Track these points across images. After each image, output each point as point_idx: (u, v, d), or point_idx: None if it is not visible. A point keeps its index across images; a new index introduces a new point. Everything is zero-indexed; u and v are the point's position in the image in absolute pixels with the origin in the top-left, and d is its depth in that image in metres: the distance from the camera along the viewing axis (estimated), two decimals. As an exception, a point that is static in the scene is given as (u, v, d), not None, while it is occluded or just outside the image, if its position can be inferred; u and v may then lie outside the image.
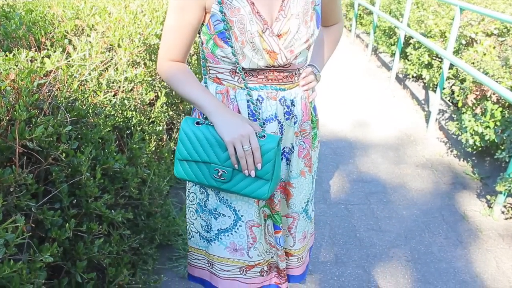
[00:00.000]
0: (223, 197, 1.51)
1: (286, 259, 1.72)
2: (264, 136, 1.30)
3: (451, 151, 4.07)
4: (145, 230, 2.26)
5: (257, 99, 1.40)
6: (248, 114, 1.40)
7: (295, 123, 1.48)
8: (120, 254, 1.91)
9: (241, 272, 1.64)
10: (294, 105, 1.46)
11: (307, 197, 1.64)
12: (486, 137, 3.40)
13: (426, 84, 5.39)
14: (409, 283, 2.50)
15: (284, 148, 1.51)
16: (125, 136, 2.25)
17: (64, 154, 1.58)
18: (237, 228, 1.54)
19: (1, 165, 1.46)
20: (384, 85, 5.97)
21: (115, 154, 1.89)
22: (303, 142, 1.53)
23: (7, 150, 1.47)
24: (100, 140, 1.86)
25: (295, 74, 1.45)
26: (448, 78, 4.65)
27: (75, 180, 1.66)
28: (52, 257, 1.32)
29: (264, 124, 1.42)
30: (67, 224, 1.54)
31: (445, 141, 4.26)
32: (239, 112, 1.40)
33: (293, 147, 1.52)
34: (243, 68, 1.35)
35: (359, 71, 6.70)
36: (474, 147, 3.68)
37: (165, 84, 2.82)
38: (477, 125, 3.52)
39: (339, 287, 2.45)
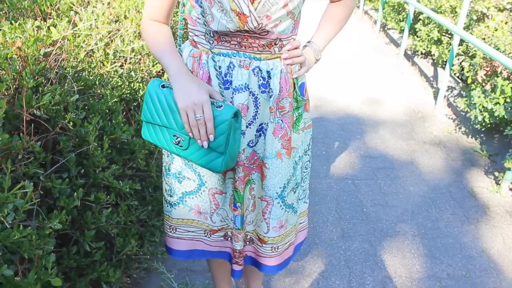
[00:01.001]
0: (188, 161, 1.46)
1: (259, 246, 1.61)
2: (221, 106, 1.23)
3: (460, 128, 4.03)
4: (152, 202, 2.27)
5: (228, 66, 1.32)
6: (219, 81, 1.33)
7: (270, 97, 1.37)
8: (128, 225, 1.92)
9: (206, 234, 1.62)
10: (270, 78, 1.35)
11: (284, 183, 1.48)
12: (496, 114, 3.36)
13: (435, 61, 5.32)
14: (415, 257, 2.51)
15: (262, 124, 1.41)
16: (132, 108, 2.24)
17: (71, 123, 1.57)
18: (201, 193, 1.51)
19: (10, 133, 1.46)
20: (393, 62, 5.90)
21: (122, 125, 1.88)
22: (281, 121, 1.40)
23: (15, 118, 1.46)
24: (107, 111, 1.86)
25: (275, 44, 1.33)
26: (458, 54, 4.58)
27: (83, 150, 1.66)
28: (61, 225, 1.33)
29: (233, 93, 1.34)
30: (75, 193, 1.54)
31: (454, 118, 4.23)
32: (209, 78, 1.34)
33: (267, 124, 1.41)
34: (216, 32, 1.28)
35: (367, 48, 6.62)
36: (483, 124, 3.64)
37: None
38: (486, 102, 3.47)
39: (346, 260, 2.46)
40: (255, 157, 1.45)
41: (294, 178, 1.53)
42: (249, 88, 1.34)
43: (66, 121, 1.54)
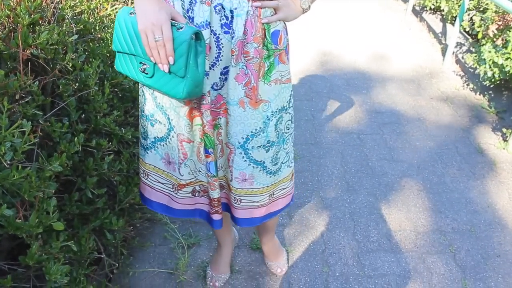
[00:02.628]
0: (159, 103, 1.42)
1: (229, 192, 1.58)
2: (182, 27, 1.18)
3: (468, 85, 3.95)
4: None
5: (191, 1, 1.26)
6: (184, 16, 1.28)
7: (232, 38, 1.29)
8: (131, 173, 1.89)
9: (173, 189, 1.59)
10: (233, 18, 1.27)
11: (247, 134, 1.42)
12: (506, 69, 3.27)
13: (444, 17, 5.16)
14: (420, 211, 2.49)
15: (226, 67, 1.34)
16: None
17: (70, 65, 1.51)
18: (170, 139, 1.48)
19: (6, 75, 1.39)
20: (400, 17, 5.74)
21: (123, 70, 1.81)
22: (245, 67, 1.33)
23: (11, 59, 1.40)
24: (108, 55, 1.78)
25: None
26: (468, 9, 4.44)
27: (83, 94, 1.60)
28: (61, 167, 1.29)
29: None
30: (76, 138, 1.49)
31: (462, 75, 4.13)
32: None
33: (228, 67, 1.35)
34: None
35: (374, 3, 6.43)
36: (492, 80, 3.55)
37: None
38: (497, 57, 3.37)
39: (350, 213, 2.45)
40: (221, 101, 1.39)
41: (264, 135, 1.44)
42: (210, 27, 1.27)
43: (65, 62, 1.48)
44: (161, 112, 1.43)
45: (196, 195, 1.61)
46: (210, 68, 1.33)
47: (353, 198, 2.56)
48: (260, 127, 1.43)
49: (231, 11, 1.26)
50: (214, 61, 1.33)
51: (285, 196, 1.69)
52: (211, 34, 1.28)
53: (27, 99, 1.31)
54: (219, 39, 1.29)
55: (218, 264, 2.02)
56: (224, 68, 1.34)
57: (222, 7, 1.25)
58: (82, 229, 1.62)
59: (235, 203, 1.58)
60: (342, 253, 2.20)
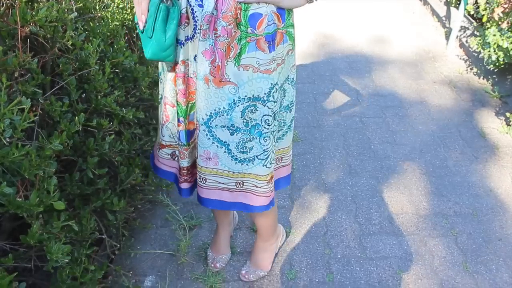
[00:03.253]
0: (162, 65, 1.50)
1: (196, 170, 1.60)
2: None
3: (471, 69, 3.91)
4: (157, 135, 2.21)
5: None
6: None
7: (201, 11, 1.29)
8: (132, 154, 1.87)
9: (158, 147, 1.67)
10: None
11: (211, 111, 1.40)
12: (511, 52, 3.23)
13: (448, 0, 5.10)
14: (422, 194, 2.48)
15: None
16: (134, 36, 2.14)
17: (70, 43, 1.48)
18: (161, 103, 1.57)
19: (5, 53, 1.37)
20: (404, 1, 5.67)
21: (124, 50, 1.79)
22: (213, 43, 1.31)
23: (9, 36, 1.37)
24: (108, 34, 1.76)
25: None
26: (473, -8, 4.38)
27: (84, 73, 1.58)
28: (61, 146, 1.27)
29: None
30: (76, 118, 1.47)
31: (465, 59, 4.09)
32: None
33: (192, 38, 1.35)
34: None
35: (377, -14, 6.35)
36: (496, 64, 3.51)
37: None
38: (502, 40, 3.33)
39: (352, 196, 2.44)
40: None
41: (228, 117, 1.41)
42: None
43: (65, 40, 1.45)
44: (162, 73, 1.51)
45: (175, 159, 1.66)
46: (187, 40, 1.36)
47: (355, 181, 2.55)
48: (224, 107, 1.40)
49: None
50: (193, 32, 1.34)
51: (259, 195, 1.60)
52: (188, 5, 1.30)
53: (26, 77, 1.29)
54: (194, 11, 1.30)
55: (217, 245, 2.02)
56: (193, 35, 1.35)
57: None
58: (83, 210, 1.62)
59: (201, 181, 1.59)
60: (343, 236, 2.20)
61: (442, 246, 2.17)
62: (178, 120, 1.49)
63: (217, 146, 1.48)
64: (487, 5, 3.76)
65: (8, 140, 1.08)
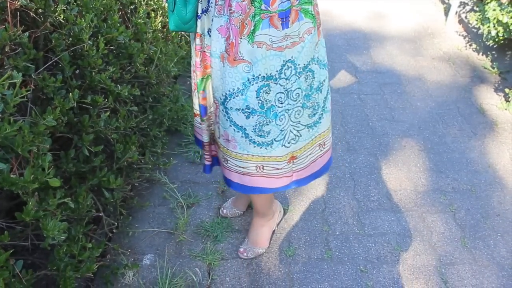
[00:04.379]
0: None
1: (218, 149, 1.61)
2: None
3: (470, 45, 3.87)
4: (153, 114, 2.19)
5: None
6: None
7: None
8: (128, 132, 1.85)
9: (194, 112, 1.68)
10: None
11: (226, 92, 1.41)
12: (511, 28, 3.19)
13: (447, -25, 5.03)
14: (421, 171, 2.47)
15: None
16: (129, 12, 2.09)
17: (62, 17, 1.44)
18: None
19: (-5, 28, 1.33)
20: (402, -24, 5.59)
21: (118, 25, 1.75)
22: (228, 20, 1.31)
23: None
24: (101, 9, 1.72)
25: None
26: (473, -34, 4.31)
27: (77, 48, 1.54)
28: (55, 122, 1.25)
29: None
30: (71, 94, 1.44)
31: (464, 35, 4.05)
32: None
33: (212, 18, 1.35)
34: None
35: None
36: (496, 39, 3.48)
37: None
38: (502, 15, 3.29)
39: (351, 173, 2.43)
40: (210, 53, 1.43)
41: (243, 97, 1.39)
42: None
43: (57, 14, 1.41)
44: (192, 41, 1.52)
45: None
46: (203, 12, 1.37)
47: (354, 158, 2.53)
48: (238, 88, 1.38)
49: None
50: (207, 5, 1.35)
51: (280, 176, 1.60)
52: None
53: (17, 51, 1.26)
54: None
55: (238, 199, 2.13)
56: (213, 18, 1.35)
57: None
58: (80, 187, 1.60)
59: (224, 162, 1.60)
60: (342, 212, 2.19)
61: (440, 222, 2.17)
62: (203, 95, 1.52)
63: (234, 130, 1.47)
64: (487, -21, 3.70)
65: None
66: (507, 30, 3.29)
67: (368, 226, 2.12)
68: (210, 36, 1.37)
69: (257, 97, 1.39)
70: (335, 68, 3.43)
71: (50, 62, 1.45)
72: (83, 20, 1.52)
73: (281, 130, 1.49)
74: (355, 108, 2.97)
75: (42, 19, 1.46)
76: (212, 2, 1.33)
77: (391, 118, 2.88)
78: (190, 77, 3.01)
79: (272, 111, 1.44)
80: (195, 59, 1.45)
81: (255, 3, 1.27)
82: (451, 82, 3.32)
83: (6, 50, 1.23)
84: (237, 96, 1.39)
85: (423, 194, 2.32)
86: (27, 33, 1.28)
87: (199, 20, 1.38)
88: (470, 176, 2.46)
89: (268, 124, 1.46)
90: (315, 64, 1.45)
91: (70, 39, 1.56)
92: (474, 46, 3.86)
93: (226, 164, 1.60)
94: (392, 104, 3.02)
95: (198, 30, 1.40)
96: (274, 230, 2.06)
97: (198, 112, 1.58)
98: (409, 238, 2.08)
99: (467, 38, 4.00)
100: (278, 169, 1.58)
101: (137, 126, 1.98)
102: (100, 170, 1.67)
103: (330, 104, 1.59)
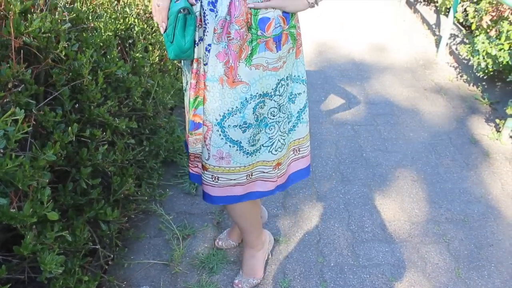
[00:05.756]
0: None
1: (202, 172, 1.63)
2: (178, 0, 1.41)
3: (461, 76, 3.96)
4: (149, 146, 2.21)
5: None
6: None
7: (215, 16, 1.38)
8: (125, 164, 1.87)
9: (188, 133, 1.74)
10: None
11: (224, 112, 1.48)
12: (500, 59, 3.28)
13: (438, 8, 5.17)
14: (414, 201, 2.50)
15: (210, 44, 1.42)
16: (127, 46, 2.14)
17: (63, 54, 1.49)
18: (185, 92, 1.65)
19: (-2, 64, 1.37)
20: (394, 9, 5.73)
21: (117, 60, 1.80)
22: (226, 46, 1.40)
23: (3, 47, 1.38)
24: (101, 45, 1.76)
25: None
26: (462, 0, 4.44)
27: (77, 83, 1.58)
28: (55, 156, 1.27)
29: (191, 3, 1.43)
30: (70, 128, 1.48)
31: (455, 66, 4.14)
32: None
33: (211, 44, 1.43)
34: None
35: (368, -6, 6.42)
36: (486, 71, 3.56)
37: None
38: (490, 47, 3.38)
39: (345, 204, 2.45)
40: (205, 79, 1.49)
41: (241, 115, 1.49)
42: (201, 2, 1.39)
43: (58, 50, 1.46)
44: (184, 66, 1.63)
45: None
46: (201, 40, 1.45)
47: (348, 189, 2.56)
48: (237, 107, 1.48)
49: None
50: (202, 35, 1.44)
51: (265, 180, 1.69)
52: (200, 8, 1.39)
53: (19, 88, 1.29)
54: (205, 15, 1.40)
55: (232, 230, 2.15)
56: (208, 45, 1.43)
57: None
58: (77, 220, 1.61)
59: (213, 181, 1.63)
60: (336, 243, 2.20)
61: (435, 252, 2.18)
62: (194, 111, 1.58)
63: (230, 145, 1.54)
64: (476, 13, 3.83)
65: (1, 151, 1.08)
66: (496, 62, 3.38)
67: (362, 257, 2.14)
68: (205, 64, 1.46)
69: (253, 113, 1.50)
70: (329, 99, 3.49)
71: (51, 97, 1.48)
72: (83, 56, 1.56)
73: (269, 137, 1.61)
74: (349, 139, 3.01)
75: (44, 54, 1.51)
76: (208, 31, 1.41)
77: (384, 149, 2.92)
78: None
79: (264, 122, 1.56)
80: (191, 81, 1.53)
81: (252, 30, 1.39)
82: (443, 113, 3.38)
83: (9, 86, 1.27)
84: (235, 114, 1.49)
85: (417, 224, 2.34)
86: (29, 70, 1.31)
87: (196, 46, 1.46)
88: (463, 206, 2.48)
89: (259, 133, 1.57)
90: (290, 80, 1.59)
91: (70, 74, 1.60)
92: (465, 77, 3.95)
93: (216, 182, 1.63)
94: (385, 135, 3.07)
95: (195, 55, 1.48)
96: (267, 259, 2.07)
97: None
98: (404, 269, 2.09)
99: (458, 69, 4.09)
100: (265, 172, 1.67)
101: (134, 158, 2.00)
102: (97, 203, 1.69)
103: (307, 116, 1.71)
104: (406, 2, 5.85)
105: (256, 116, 1.52)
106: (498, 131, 3.17)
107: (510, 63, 3.23)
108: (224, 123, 1.50)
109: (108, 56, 1.79)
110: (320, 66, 4.02)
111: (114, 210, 1.72)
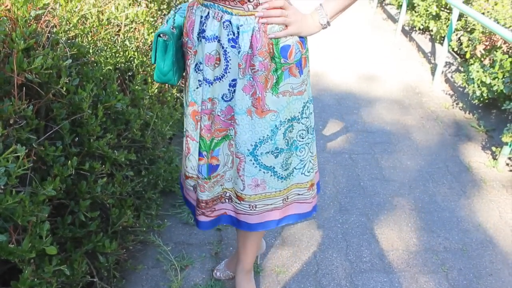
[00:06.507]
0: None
1: (237, 203, 1.65)
2: (166, 24, 1.53)
3: (457, 104, 4.01)
4: (148, 176, 2.23)
5: (206, 16, 1.41)
6: (199, 29, 1.43)
7: (239, 52, 1.39)
8: (124, 196, 1.89)
9: (183, 176, 1.74)
10: (239, 33, 1.37)
11: (255, 141, 1.50)
12: (494, 88, 3.33)
13: (433, 37, 5.26)
14: (412, 231, 2.50)
15: (235, 79, 1.44)
16: (127, 78, 2.18)
17: (64, 89, 1.52)
18: (184, 135, 1.65)
19: (0, 100, 1.40)
20: (390, 38, 5.84)
21: (117, 93, 1.83)
22: (252, 78, 1.42)
23: (6, 83, 1.41)
24: (101, 79, 1.80)
25: (249, 1, 1.33)
26: (456, 30, 4.53)
27: (77, 117, 1.61)
28: (55, 191, 1.29)
29: (204, 42, 1.43)
30: (69, 161, 1.50)
31: (451, 94, 4.20)
32: (194, 24, 1.45)
33: (236, 79, 1.45)
34: None
35: (364, 23, 6.54)
36: (481, 99, 3.61)
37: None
38: (485, 76, 3.44)
39: (343, 234, 2.45)
40: (232, 113, 1.49)
41: (272, 142, 1.52)
42: (220, 41, 1.39)
43: (59, 86, 1.49)
44: (186, 108, 1.62)
45: (195, 192, 1.70)
46: (218, 80, 1.45)
47: (346, 218, 2.57)
48: (268, 135, 1.50)
49: (238, 27, 1.36)
50: (223, 72, 1.44)
51: (302, 202, 1.73)
52: (220, 47, 1.40)
53: (21, 124, 1.32)
54: (227, 53, 1.40)
55: (232, 261, 2.12)
56: (233, 80, 1.44)
57: (230, 23, 1.36)
58: (75, 253, 1.62)
59: (251, 209, 1.65)
60: (335, 274, 2.20)
61: (433, 282, 2.17)
62: (200, 154, 1.57)
63: (264, 172, 1.57)
64: (470, 42, 3.90)
65: (2, 187, 1.10)
66: (491, 90, 3.43)
67: (361, 288, 2.13)
68: (226, 101, 1.48)
69: (284, 138, 1.53)
70: (327, 127, 3.53)
71: (51, 131, 1.51)
72: (83, 91, 1.59)
73: (300, 160, 1.63)
74: (346, 168, 3.03)
75: (45, 90, 1.54)
76: (230, 68, 1.42)
77: (382, 178, 2.94)
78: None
79: (294, 145, 1.58)
80: (205, 123, 1.52)
81: (275, 59, 1.41)
82: (440, 141, 3.41)
83: (11, 122, 1.29)
84: (267, 142, 1.52)
85: (415, 254, 2.34)
86: (31, 106, 1.34)
87: (210, 86, 1.46)
88: (461, 235, 2.49)
89: (291, 157, 1.59)
90: (311, 102, 1.63)
91: (71, 107, 1.63)
92: (460, 104, 4.00)
93: (254, 210, 1.65)
94: (382, 164, 3.09)
95: (209, 95, 1.47)
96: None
97: (191, 175, 1.65)
98: (403, 300, 2.08)
99: (453, 97, 4.14)
100: (300, 194, 1.70)
101: (133, 189, 2.02)
102: (95, 235, 1.70)
103: (314, 136, 1.74)
104: (402, 30, 5.95)
105: (286, 140, 1.54)
106: (494, 158, 3.20)
107: (504, 91, 3.28)
108: (256, 152, 1.53)
109: (108, 89, 1.82)
110: (317, 95, 4.07)
111: (112, 242, 1.73)
